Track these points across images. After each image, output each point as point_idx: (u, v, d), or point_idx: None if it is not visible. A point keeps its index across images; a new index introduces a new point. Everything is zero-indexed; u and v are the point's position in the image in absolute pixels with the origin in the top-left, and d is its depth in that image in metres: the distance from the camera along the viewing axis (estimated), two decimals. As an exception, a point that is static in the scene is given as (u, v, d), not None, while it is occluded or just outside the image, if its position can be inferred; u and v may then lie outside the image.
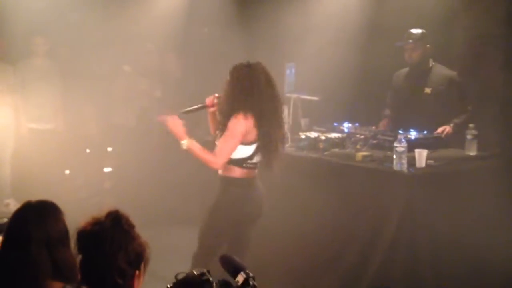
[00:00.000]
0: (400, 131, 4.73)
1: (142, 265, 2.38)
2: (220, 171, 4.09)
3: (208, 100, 4.23)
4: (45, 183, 6.63)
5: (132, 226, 2.40)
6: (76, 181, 7.62)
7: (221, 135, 4.01)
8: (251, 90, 3.93)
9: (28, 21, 6.99)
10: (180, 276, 1.99)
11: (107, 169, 7.82)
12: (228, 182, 4.08)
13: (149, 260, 2.42)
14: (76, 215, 2.56)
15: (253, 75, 3.95)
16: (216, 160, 3.98)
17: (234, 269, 2.01)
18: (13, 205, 6.45)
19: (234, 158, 4.01)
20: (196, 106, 4.28)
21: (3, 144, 7.10)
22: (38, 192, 5.48)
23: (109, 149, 7.81)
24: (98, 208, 2.47)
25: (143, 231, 2.46)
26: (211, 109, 4.24)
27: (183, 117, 4.14)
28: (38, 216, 2.65)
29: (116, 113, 7.48)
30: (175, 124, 4.03)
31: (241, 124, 3.93)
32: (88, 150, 7.82)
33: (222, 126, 4.01)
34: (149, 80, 7.49)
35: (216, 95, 4.18)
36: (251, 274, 2.02)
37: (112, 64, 7.45)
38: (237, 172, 4.06)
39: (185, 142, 3.98)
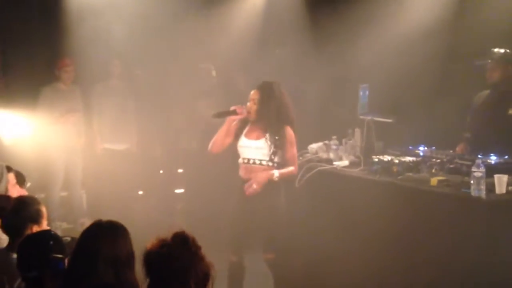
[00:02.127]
0: (479, 156, 4.55)
1: (209, 285, 2.40)
2: (274, 176, 4.63)
3: (239, 108, 4.72)
4: (119, 203, 6.74)
5: (198, 247, 2.43)
6: (149, 202, 7.73)
7: (270, 141, 4.64)
8: (288, 104, 4.73)
9: (106, 45, 7.20)
10: None
11: (178, 190, 7.90)
12: (280, 183, 4.69)
13: (215, 280, 2.43)
14: (148, 236, 2.57)
15: (284, 92, 4.73)
16: (295, 167, 4.76)
17: None
18: (88, 224, 6.57)
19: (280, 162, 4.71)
20: (226, 110, 4.78)
21: (74, 163, 7.23)
22: (112, 212, 5.58)
23: (180, 170, 7.88)
24: (169, 229, 2.48)
25: (212, 252, 2.46)
26: (238, 116, 4.75)
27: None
28: (107, 235, 2.69)
29: (180, 137, 7.54)
30: (260, 176, 4.60)
31: (293, 134, 4.70)
32: (161, 171, 7.93)
33: (273, 134, 4.65)
34: (205, 102, 7.40)
35: (241, 106, 4.72)
36: None
37: (176, 88, 7.51)
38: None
39: (276, 173, 4.62)
